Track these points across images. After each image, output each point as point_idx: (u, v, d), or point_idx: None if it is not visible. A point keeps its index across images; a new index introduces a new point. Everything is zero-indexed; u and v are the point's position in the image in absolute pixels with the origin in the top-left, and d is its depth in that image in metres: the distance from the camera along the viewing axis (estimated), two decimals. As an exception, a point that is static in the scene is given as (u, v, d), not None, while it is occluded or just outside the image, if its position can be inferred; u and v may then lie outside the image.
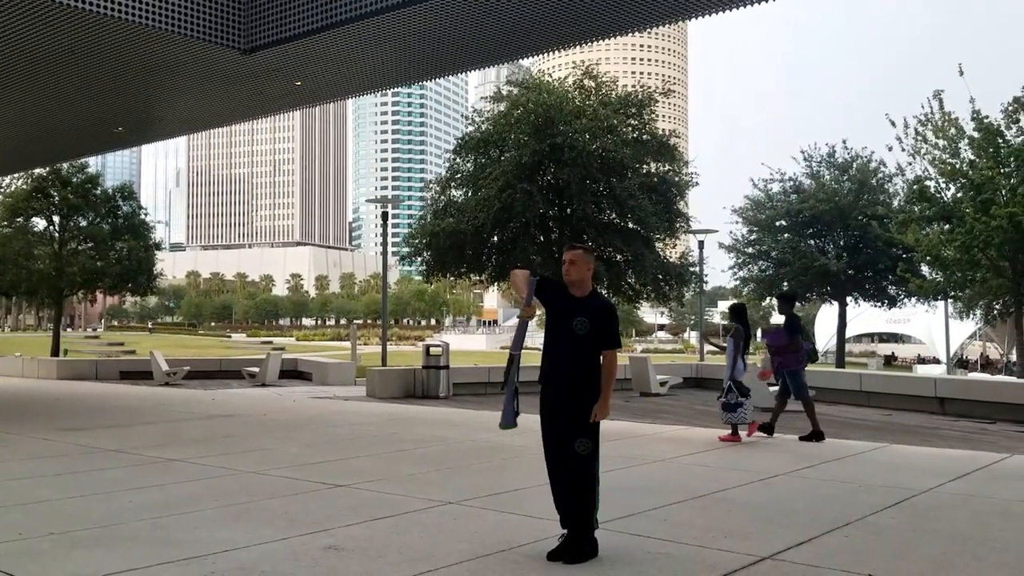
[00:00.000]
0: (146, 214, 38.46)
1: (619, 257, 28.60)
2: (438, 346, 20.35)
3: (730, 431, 10.75)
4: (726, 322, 12.68)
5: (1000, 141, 24.31)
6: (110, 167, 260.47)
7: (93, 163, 40.78)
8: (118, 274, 35.34)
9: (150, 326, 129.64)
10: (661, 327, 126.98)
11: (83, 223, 35.82)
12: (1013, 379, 25.53)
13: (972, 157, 25.12)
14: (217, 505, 6.66)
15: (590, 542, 5.16)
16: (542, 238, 28.33)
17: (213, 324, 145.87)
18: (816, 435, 10.69)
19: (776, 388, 11.82)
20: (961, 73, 24.98)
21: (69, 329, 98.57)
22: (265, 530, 5.82)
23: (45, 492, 7.24)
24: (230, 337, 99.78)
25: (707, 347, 14.60)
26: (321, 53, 12.83)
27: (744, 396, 10.60)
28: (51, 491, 7.28)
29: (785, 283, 37.17)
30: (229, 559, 5.11)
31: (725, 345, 11.12)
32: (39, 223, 35.86)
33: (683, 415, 16.35)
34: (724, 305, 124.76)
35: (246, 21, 12.37)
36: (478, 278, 30.34)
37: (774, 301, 40.96)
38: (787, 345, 10.79)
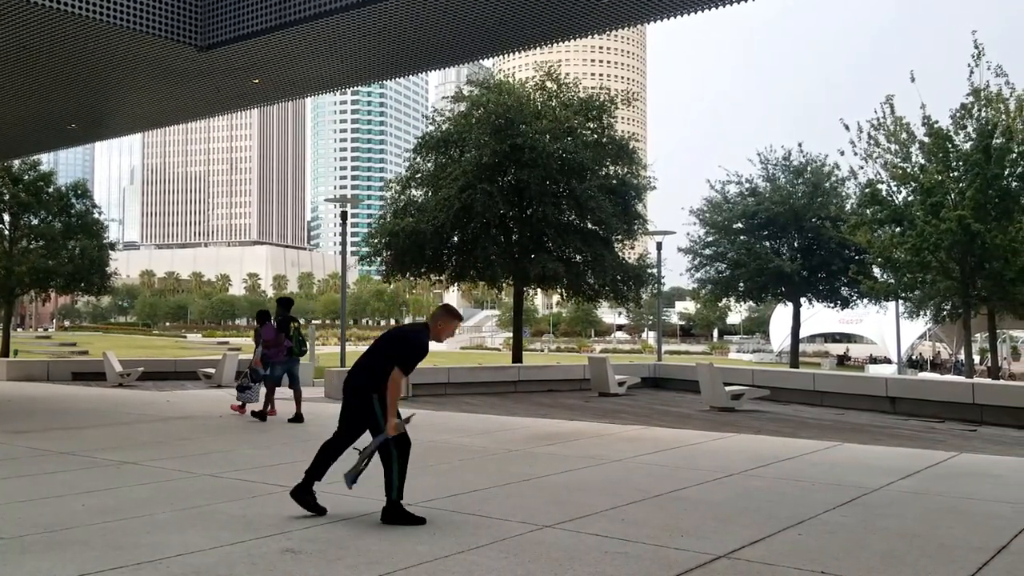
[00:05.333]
0: (100, 212, 37.76)
1: (579, 258, 28.74)
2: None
3: (240, 405, 13.66)
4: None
5: (949, 146, 24.81)
6: (63, 164, 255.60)
7: (46, 160, 39.95)
8: (70, 273, 34.76)
9: (66, 325, 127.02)
10: (620, 327, 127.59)
11: (34, 221, 35.17)
12: (961, 379, 26.06)
13: (923, 161, 25.61)
14: (172, 508, 6.58)
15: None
16: (502, 238, 28.36)
17: (168, 324, 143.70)
18: (298, 418, 12.84)
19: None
20: (913, 80, 25.43)
21: (20, 329, 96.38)
22: (221, 534, 5.76)
23: (-6, 496, 7.09)
24: (185, 337, 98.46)
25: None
26: (279, 51, 12.72)
27: (255, 381, 13.49)
28: None
29: (741, 284, 37.60)
30: (184, 564, 5.05)
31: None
32: (-12, 221, 35.17)
33: (641, 415, 16.48)
34: (681, 306, 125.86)
35: (203, 18, 12.22)
36: (438, 278, 30.24)
37: (732, 300, 41.62)
38: (273, 340, 12.98)
